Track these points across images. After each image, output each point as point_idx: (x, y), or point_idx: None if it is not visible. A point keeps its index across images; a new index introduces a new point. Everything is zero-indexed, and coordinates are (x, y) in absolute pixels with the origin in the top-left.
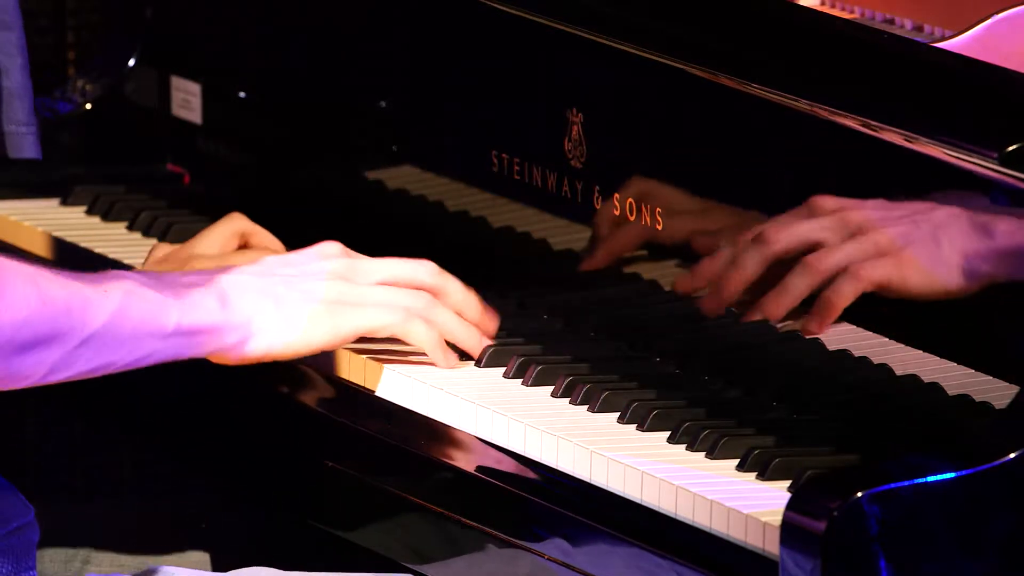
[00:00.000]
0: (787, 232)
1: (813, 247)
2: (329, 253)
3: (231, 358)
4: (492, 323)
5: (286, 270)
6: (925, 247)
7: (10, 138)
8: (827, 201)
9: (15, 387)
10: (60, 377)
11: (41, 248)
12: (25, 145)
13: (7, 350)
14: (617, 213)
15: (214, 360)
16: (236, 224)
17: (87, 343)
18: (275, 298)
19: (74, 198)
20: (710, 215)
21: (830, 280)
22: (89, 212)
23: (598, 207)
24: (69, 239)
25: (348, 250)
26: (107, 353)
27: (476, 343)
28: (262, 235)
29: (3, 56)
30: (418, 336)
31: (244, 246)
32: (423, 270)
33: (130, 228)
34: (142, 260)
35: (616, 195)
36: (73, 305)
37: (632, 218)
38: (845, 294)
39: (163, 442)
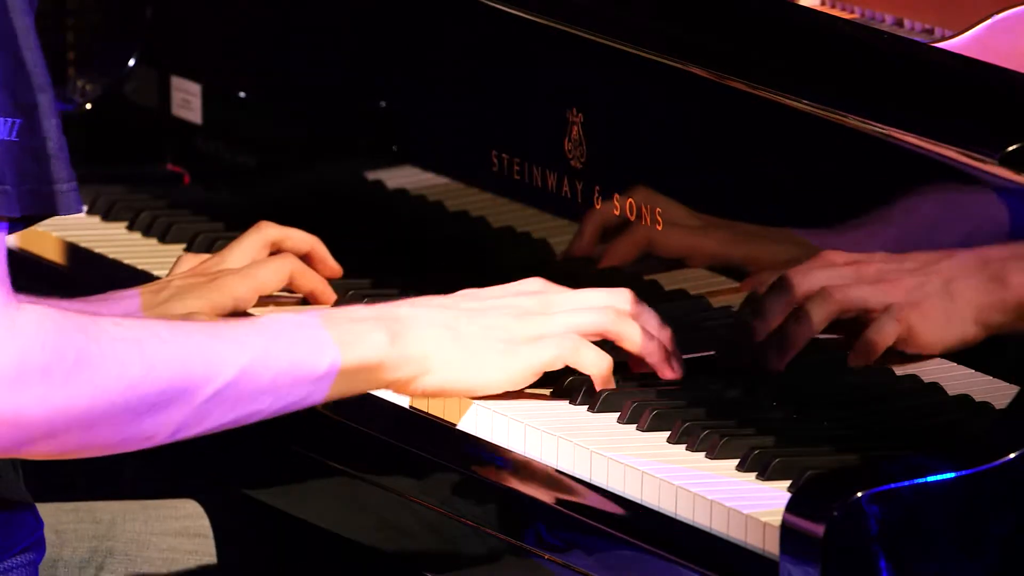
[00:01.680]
0: (852, 292)
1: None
2: (527, 290)
3: (408, 392)
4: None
5: (471, 304)
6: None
7: (51, 198)
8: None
9: (144, 447)
10: (195, 432)
11: (42, 249)
12: (68, 202)
13: (115, 416)
14: (617, 213)
15: (397, 391)
16: (265, 234)
17: (216, 399)
18: (454, 333)
19: None
20: (710, 215)
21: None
22: (89, 212)
23: (598, 207)
24: (69, 239)
25: (549, 285)
26: (245, 405)
27: (660, 362)
28: (294, 239)
29: (43, 118)
30: (589, 363)
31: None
32: (618, 299)
33: (130, 228)
34: (142, 260)
35: (616, 195)
36: (193, 363)
37: (632, 218)
38: (888, 332)
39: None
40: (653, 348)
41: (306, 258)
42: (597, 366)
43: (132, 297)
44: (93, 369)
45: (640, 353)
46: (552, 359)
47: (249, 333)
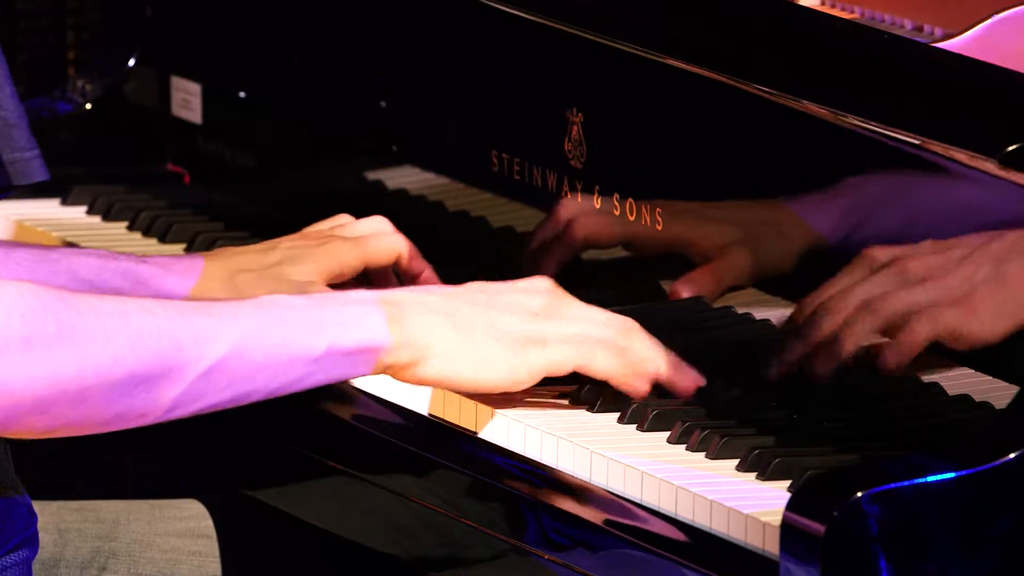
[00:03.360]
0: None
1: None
2: (535, 288)
3: (405, 377)
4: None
5: (478, 296)
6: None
7: (14, 166)
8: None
9: (138, 425)
10: (190, 411)
11: None
12: (32, 170)
13: (104, 390)
14: (617, 213)
15: (396, 377)
16: (378, 224)
17: (209, 375)
18: (456, 323)
19: (74, 198)
20: (710, 215)
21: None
22: (89, 212)
23: (598, 207)
24: (69, 239)
25: (558, 287)
26: (240, 383)
27: (676, 375)
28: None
29: None
30: (604, 366)
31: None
32: (617, 327)
33: (130, 228)
34: None
35: (616, 195)
36: (182, 337)
37: (632, 218)
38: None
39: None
40: (660, 363)
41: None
42: (616, 371)
43: (241, 254)
44: (75, 339)
45: (650, 372)
46: (564, 360)
47: (243, 310)
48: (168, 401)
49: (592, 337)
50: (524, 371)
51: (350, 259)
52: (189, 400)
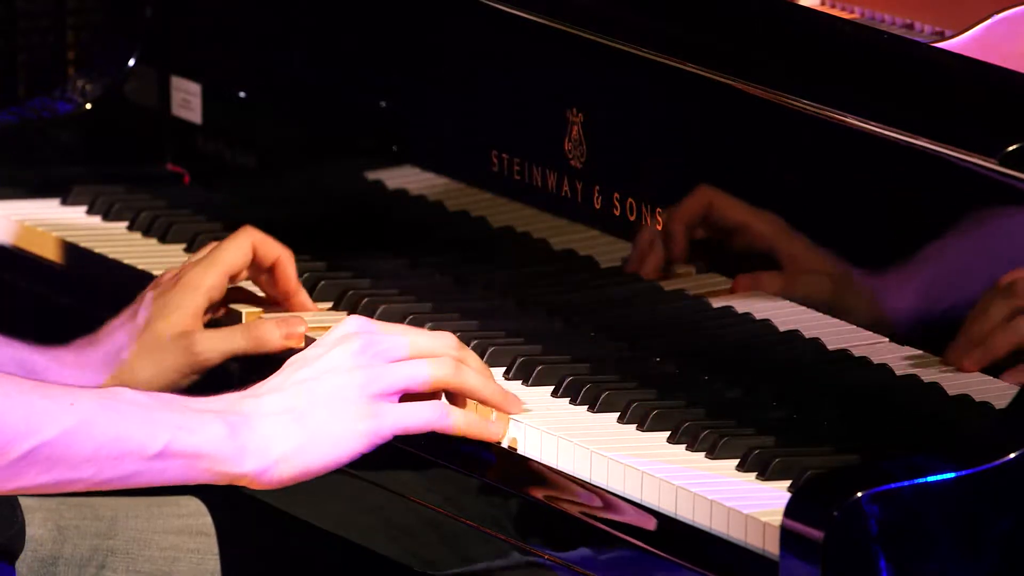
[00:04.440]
0: None
1: None
2: (347, 333)
3: (262, 484)
4: (515, 403)
5: (302, 374)
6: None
7: None
8: None
9: None
10: (8, 488)
11: (42, 248)
12: None
13: None
14: (617, 213)
15: (251, 487)
16: (215, 243)
17: (30, 457)
18: (298, 417)
19: (74, 198)
20: (709, 207)
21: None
22: (89, 212)
23: (598, 207)
24: (69, 239)
25: (367, 323)
26: (65, 469)
27: (503, 400)
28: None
29: None
30: (457, 421)
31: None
32: (445, 343)
33: (130, 228)
34: (142, 260)
35: (616, 195)
36: (11, 416)
37: (632, 218)
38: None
39: None
40: (493, 390)
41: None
42: (469, 425)
43: (117, 329)
44: None
45: (484, 398)
46: (414, 425)
47: (82, 398)
48: None
49: (425, 386)
50: (380, 432)
51: (208, 280)
52: (7, 477)
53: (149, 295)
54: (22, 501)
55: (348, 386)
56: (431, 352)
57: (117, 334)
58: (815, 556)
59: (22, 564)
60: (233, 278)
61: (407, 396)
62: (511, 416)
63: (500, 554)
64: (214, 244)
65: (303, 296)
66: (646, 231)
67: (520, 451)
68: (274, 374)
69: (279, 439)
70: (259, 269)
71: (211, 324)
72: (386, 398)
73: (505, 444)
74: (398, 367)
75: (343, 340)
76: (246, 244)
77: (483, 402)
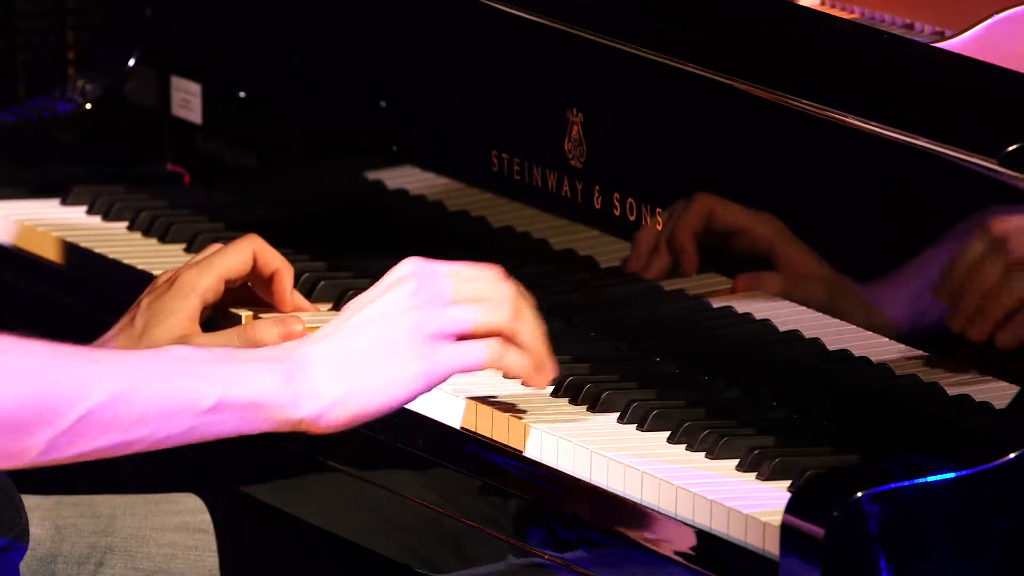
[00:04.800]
0: None
1: None
2: (402, 276)
3: (319, 428)
4: (552, 370)
5: (357, 318)
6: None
7: None
8: None
9: (15, 466)
10: (67, 455)
11: (42, 248)
12: None
13: None
14: (617, 213)
15: (309, 431)
16: (214, 247)
17: (86, 420)
18: (352, 360)
19: (74, 198)
20: (710, 215)
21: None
22: (89, 212)
23: (598, 207)
24: (69, 239)
25: (423, 264)
26: (120, 431)
27: (543, 360)
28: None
29: None
30: (514, 364)
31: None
32: (504, 290)
33: (130, 228)
34: (142, 260)
35: (616, 195)
36: (60, 379)
37: (632, 218)
38: None
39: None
40: (540, 348)
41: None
42: (523, 368)
43: (116, 336)
44: None
45: (530, 351)
46: (473, 362)
47: (130, 358)
48: (42, 444)
49: (481, 328)
50: (436, 374)
51: (203, 283)
52: (65, 444)
53: (145, 300)
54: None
55: (401, 328)
56: (487, 297)
57: (116, 341)
58: (815, 556)
59: (21, 563)
60: (230, 282)
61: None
62: (509, 416)
63: (500, 554)
64: (216, 246)
65: (299, 303)
66: (646, 232)
67: (521, 450)
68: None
69: (333, 383)
70: (257, 277)
71: (208, 326)
72: (441, 339)
73: (504, 444)
74: (452, 309)
75: (398, 283)
76: (247, 252)
77: (526, 355)
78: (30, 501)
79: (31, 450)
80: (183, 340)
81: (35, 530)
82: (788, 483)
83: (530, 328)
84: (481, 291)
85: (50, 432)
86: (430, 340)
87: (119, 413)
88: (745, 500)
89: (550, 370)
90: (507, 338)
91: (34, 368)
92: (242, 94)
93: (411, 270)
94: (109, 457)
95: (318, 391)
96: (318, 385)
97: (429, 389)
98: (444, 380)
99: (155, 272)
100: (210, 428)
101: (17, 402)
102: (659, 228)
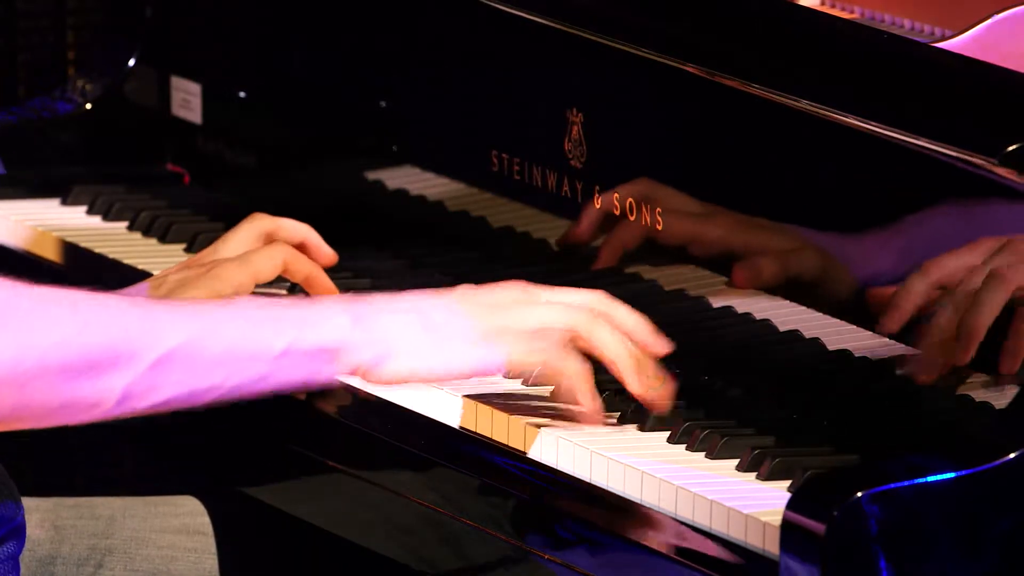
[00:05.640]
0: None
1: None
2: (503, 288)
3: (372, 378)
4: (664, 382)
5: (445, 297)
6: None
7: None
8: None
9: (90, 418)
10: (143, 405)
11: (42, 248)
12: None
13: (47, 374)
14: (617, 213)
15: (364, 378)
16: (258, 224)
17: (161, 366)
18: (423, 319)
19: (74, 198)
20: (710, 215)
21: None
22: (89, 212)
23: (598, 207)
24: (69, 239)
25: (530, 287)
26: (195, 377)
27: (632, 370)
28: (286, 228)
29: None
30: (570, 372)
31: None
32: (592, 298)
33: (130, 228)
34: (142, 260)
35: (616, 195)
36: (132, 325)
37: (632, 218)
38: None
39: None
40: (622, 354)
41: (301, 248)
42: (579, 376)
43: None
44: (18, 322)
45: (608, 358)
46: (528, 361)
47: (202, 306)
48: (119, 391)
49: (555, 325)
50: (491, 362)
51: (238, 278)
52: (141, 392)
53: (174, 276)
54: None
55: (478, 314)
56: (576, 303)
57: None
58: (815, 556)
59: (20, 564)
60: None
61: None
62: (510, 415)
63: (500, 554)
64: (252, 226)
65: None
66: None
67: (521, 450)
68: (271, 252)
69: (399, 334)
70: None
71: None
72: (513, 333)
73: (505, 444)
74: (532, 308)
75: (493, 288)
76: (278, 259)
77: (609, 365)
78: (29, 503)
79: (109, 398)
80: None
81: (34, 531)
82: (788, 483)
83: (609, 338)
84: (570, 299)
85: (127, 377)
86: (502, 331)
87: (194, 358)
88: (745, 500)
89: (632, 377)
90: (584, 344)
91: (109, 315)
92: (242, 94)
93: (520, 287)
94: (185, 409)
95: (383, 337)
96: (385, 331)
97: (480, 374)
98: (497, 371)
99: (155, 272)
100: (281, 375)
101: (94, 347)
102: (659, 228)
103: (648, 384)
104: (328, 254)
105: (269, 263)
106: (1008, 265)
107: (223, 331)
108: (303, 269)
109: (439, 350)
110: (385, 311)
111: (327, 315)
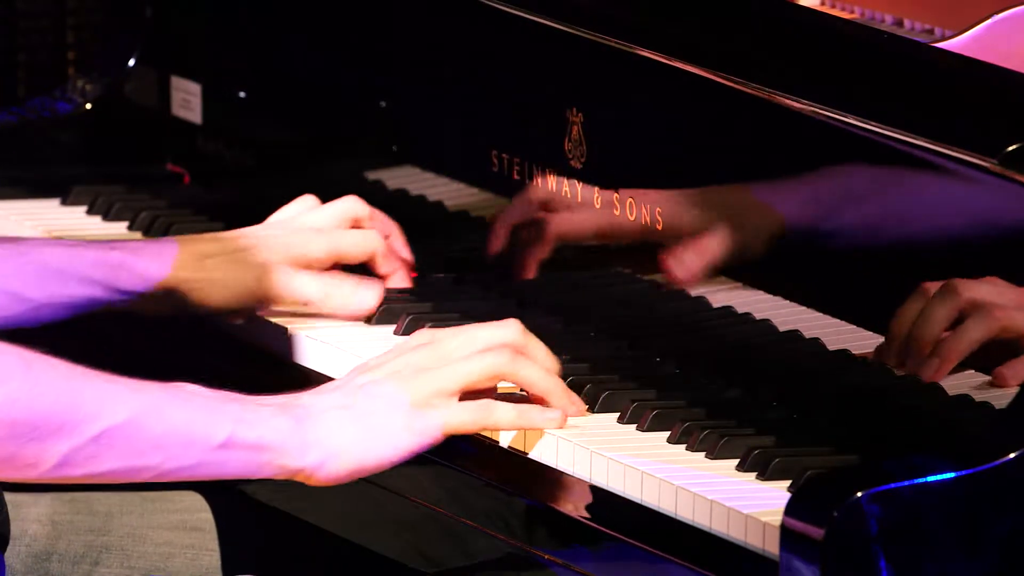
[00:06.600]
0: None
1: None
2: (418, 343)
3: (318, 479)
4: (575, 403)
5: (366, 377)
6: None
7: None
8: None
9: (23, 477)
10: (81, 473)
11: None
12: None
13: None
14: (617, 213)
15: (307, 482)
16: (352, 207)
17: (102, 439)
18: (355, 415)
19: (74, 198)
20: (710, 215)
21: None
22: (89, 212)
23: (598, 207)
24: (69, 239)
25: (436, 332)
26: (134, 455)
27: (559, 395)
28: (378, 219)
29: None
30: (504, 423)
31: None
32: (506, 334)
33: (130, 228)
34: None
35: (616, 195)
36: (83, 396)
37: (632, 218)
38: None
39: None
40: (551, 385)
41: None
42: (520, 417)
43: (211, 241)
44: None
45: (539, 392)
46: (462, 425)
47: (148, 387)
48: (58, 456)
49: (481, 377)
50: (429, 434)
51: (318, 251)
52: (80, 460)
53: (258, 229)
54: (16, 497)
55: (404, 389)
56: (492, 344)
57: (210, 244)
58: (815, 556)
59: (16, 559)
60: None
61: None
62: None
63: (500, 553)
64: (345, 207)
65: None
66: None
67: (521, 450)
68: (334, 380)
69: (337, 433)
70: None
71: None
72: (444, 398)
73: (505, 444)
74: (453, 367)
75: (406, 350)
76: (371, 247)
77: (540, 396)
78: (26, 498)
79: (46, 461)
80: (272, 271)
81: (31, 527)
82: (788, 483)
83: (531, 368)
84: (485, 340)
85: (67, 445)
86: (432, 399)
87: (136, 436)
88: (745, 500)
89: (567, 401)
90: (512, 382)
91: (58, 381)
92: (242, 94)
93: (418, 340)
94: (116, 482)
95: (323, 439)
96: (324, 433)
97: (424, 448)
98: (439, 439)
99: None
100: (217, 467)
101: (40, 410)
102: (659, 228)
103: (579, 402)
104: (408, 256)
105: (357, 247)
106: (996, 305)
107: (168, 413)
108: (390, 265)
109: (377, 441)
110: (320, 410)
111: (267, 415)
